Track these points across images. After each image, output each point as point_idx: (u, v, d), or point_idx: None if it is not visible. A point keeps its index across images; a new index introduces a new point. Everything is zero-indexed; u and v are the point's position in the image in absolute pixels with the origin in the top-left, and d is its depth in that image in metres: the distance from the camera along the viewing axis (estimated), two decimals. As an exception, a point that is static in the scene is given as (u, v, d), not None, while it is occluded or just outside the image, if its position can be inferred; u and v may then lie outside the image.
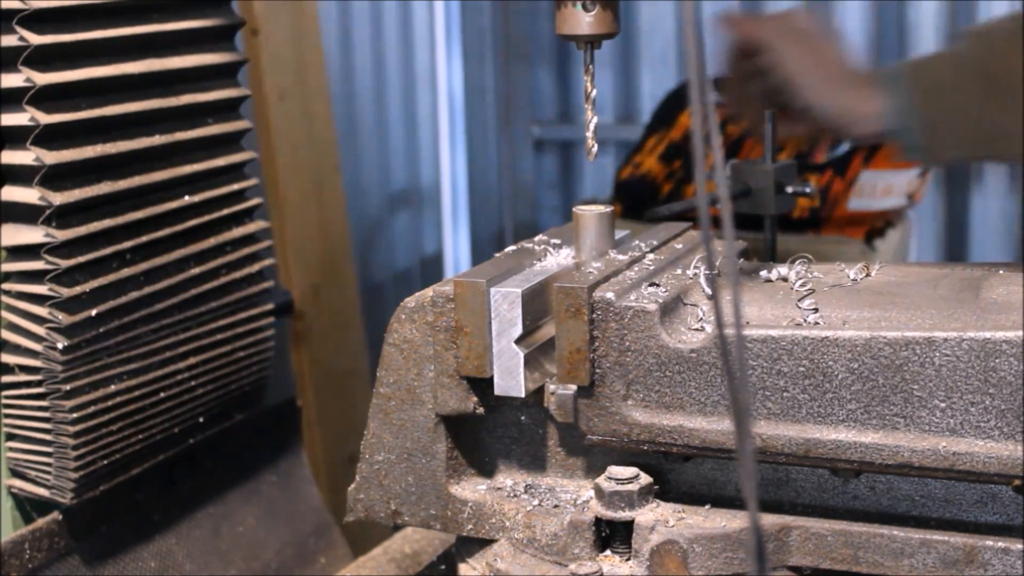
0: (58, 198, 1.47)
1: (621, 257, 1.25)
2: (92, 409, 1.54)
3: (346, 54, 4.21)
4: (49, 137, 1.47)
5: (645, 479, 1.15)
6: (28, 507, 1.61)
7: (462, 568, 1.24)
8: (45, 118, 1.45)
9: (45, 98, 1.46)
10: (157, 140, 1.60)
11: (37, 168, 1.45)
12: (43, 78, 1.45)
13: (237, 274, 1.76)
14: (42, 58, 1.45)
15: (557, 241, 1.31)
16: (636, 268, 1.22)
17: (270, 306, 1.85)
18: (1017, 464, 1.02)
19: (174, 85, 1.64)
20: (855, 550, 1.10)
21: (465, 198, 5.07)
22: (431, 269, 4.79)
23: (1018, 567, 1.05)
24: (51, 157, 1.46)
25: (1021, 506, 1.09)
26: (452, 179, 5.01)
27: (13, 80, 1.44)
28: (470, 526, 1.21)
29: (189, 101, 1.66)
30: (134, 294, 1.58)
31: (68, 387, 1.51)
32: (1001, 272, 1.20)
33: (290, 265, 2.68)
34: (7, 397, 1.55)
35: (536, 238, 1.33)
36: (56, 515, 1.57)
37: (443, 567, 1.73)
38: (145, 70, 1.58)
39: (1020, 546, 1.05)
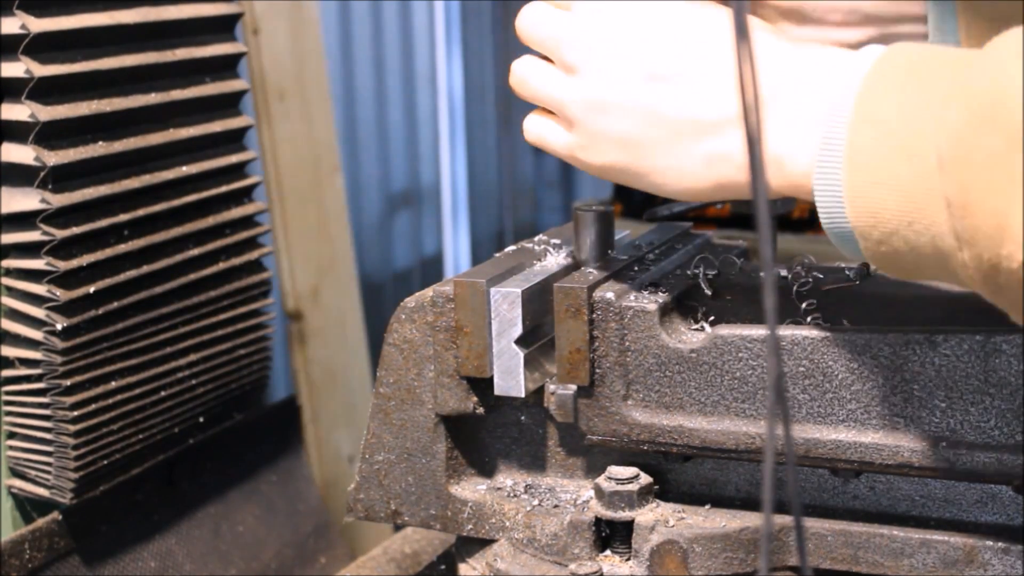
0: (52, 158, 1.47)
1: (621, 257, 1.25)
2: (93, 407, 1.55)
3: (346, 54, 4.21)
4: (44, 91, 1.46)
5: (645, 479, 1.15)
6: (28, 507, 1.61)
7: (462, 568, 1.24)
8: (40, 69, 1.45)
9: (40, 48, 1.45)
10: (153, 98, 1.60)
11: (32, 124, 1.45)
12: (38, 24, 1.44)
13: (237, 260, 1.76)
14: (38, 2, 1.45)
15: (557, 241, 1.31)
16: (636, 268, 1.22)
17: (271, 300, 1.85)
18: (1017, 464, 1.02)
19: (170, 38, 1.63)
20: (855, 550, 1.10)
21: (465, 198, 5.07)
22: (431, 269, 4.80)
23: (1018, 567, 1.05)
24: (45, 113, 1.46)
25: (1021, 506, 1.09)
26: (452, 179, 5.02)
27: (10, 26, 1.44)
28: (470, 526, 1.21)
29: (185, 56, 1.65)
30: (132, 272, 1.58)
31: (68, 382, 1.51)
32: (1001, 272, 1.20)
33: (290, 265, 2.68)
34: (7, 394, 1.55)
35: (536, 238, 1.33)
36: (56, 515, 1.58)
37: (443, 567, 1.73)
38: (140, 20, 1.57)
39: (1020, 546, 1.05)
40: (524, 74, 1.12)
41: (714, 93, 1.00)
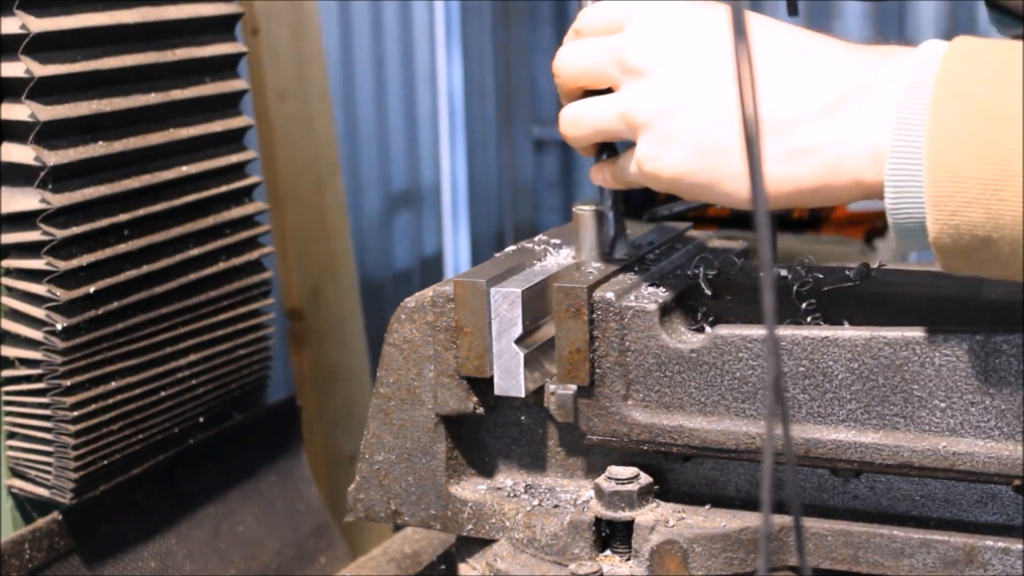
0: (52, 158, 1.47)
1: (621, 257, 1.25)
2: (93, 407, 1.55)
3: (346, 54, 4.21)
4: (44, 91, 1.46)
5: (645, 479, 1.15)
6: (28, 507, 1.61)
7: (462, 568, 1.24)
8: (40, 69, 1.45)
9: (40, 48, 1.45)
10: (152, 98, 1.60)
11: (32, 124, 1.46)
12: (38, 24, 1.44)
13: (237, 260, 1.76)
14: (38, 2, 1.45)
15: (557, 241, 1.31)
16: (636, 268, 1.22)
17: (271, 300, 1.85)
18: (1017, 464, 1.02)
19: (170, 38, 1.63)
20: (855, 550, 1.10)
21: (465, 198, 5.08)
22: (431, 269, 4.80)
23: (1018, 567, 1.05)
24: (45, 113, 1.46)
25: (1021, 506, 1.09)
26: (452, 179, 5.02)
27: (10, 26, 1.44)
28: (470, 526, 1.21)
29: (185, 56, 1.65)
30: (132, 272, 1.58)
31: (68, 382, 1.51)
32: (1001, 272, 1.20)
33: (290, 265, 2.68)
34: (7, 394, 1.55)
35: (536, 238, 1.33)
36: (56, 515, 1.58)
37: (443, 567, 1.73)
38: (140, 20, 1.57)
39: (1020, 546, 1.05)
40: (577, 111, 1.11)
41: (786, 92, 0.98)
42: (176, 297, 1.66)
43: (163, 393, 1.66)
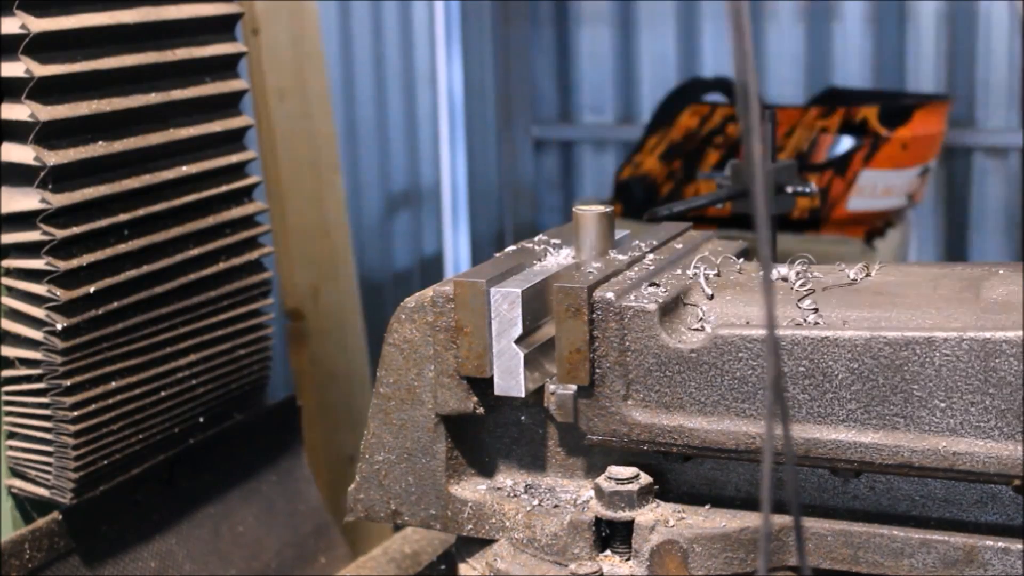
0: (52, 157, 1.47)
1: (621, 257, 1.25)
2: (93, 407, 1.55)
3: (346, 54, 4.21)
4: (44, 91, 1.46)
5: (645, 479, 1.15)
6: (28, 507, 1.61)
7: (462, 568, 1.24)
8: (40, 69, 1.45)
9: (40, 48, 1.46)
10: (152, 98, 1.60)
11: (32, 124, 1.46)
12: (38, 24, 1.44)
13: (237, 260, 1.76)
14: (38, 2, 1.45)
15: (557, 241, 1.31)
16: (636, 268, 1.22)
17: (271, 300, 1.85)
18: (1017, 464, 1.02)
19: (170, 38, 1.63)
20: (855, 550, 1.10)
21: (465, 198, 5.07)
22: (431, 269, 4.79)
23: (1018, 567, 1.05)
24: (45, 113, 1.46)
25: (1021, 506, 1.09)
26: (452, 179, 5.01)
27: (10, 26, 1.44)
28: (470, 526, 1.21)
29: (185, 56, 1.65)
30: (132, 272, 1.58)
31: (68, 382, 1.51)
32: (1001, 272, 1.20)
33: (290, 265, 2.67)
34: (7, 394, 1.55)
35: (536, 238, 1.33)
36: (56, 515, 1.58)
37: (443, 567, 1.73)
38: (140, 19, 1.57)
39: (1020, 546, 1.05)
40: None
41: None
42: (176, 297, 1.66)
43: (163, 393, 1.66)
